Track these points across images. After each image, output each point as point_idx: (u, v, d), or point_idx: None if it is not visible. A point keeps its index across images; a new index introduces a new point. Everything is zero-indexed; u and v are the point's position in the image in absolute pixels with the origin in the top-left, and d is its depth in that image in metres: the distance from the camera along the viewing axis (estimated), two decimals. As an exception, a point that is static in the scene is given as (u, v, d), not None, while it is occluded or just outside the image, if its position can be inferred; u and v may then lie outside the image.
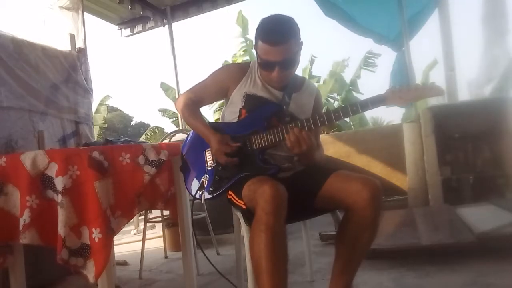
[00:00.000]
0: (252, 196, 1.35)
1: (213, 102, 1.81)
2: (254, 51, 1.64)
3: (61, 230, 1.47)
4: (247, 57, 8.32)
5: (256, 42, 1.56)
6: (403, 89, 1.39)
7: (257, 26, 1.56)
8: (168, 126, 11.24)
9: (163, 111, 10.93)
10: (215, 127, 1.64)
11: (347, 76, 8.67)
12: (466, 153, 3.50)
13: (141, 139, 10.28)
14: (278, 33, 1.48)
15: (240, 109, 1.64)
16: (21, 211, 1.55)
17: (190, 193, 1.68)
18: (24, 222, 1.51)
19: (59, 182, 1.50)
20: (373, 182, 1.36)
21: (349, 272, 1.44)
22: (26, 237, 1.51)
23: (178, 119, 9.91)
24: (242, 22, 8.29)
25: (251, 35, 8.48)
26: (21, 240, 1.52)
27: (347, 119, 8.72)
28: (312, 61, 8.76)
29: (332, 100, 8.74)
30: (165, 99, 9.86)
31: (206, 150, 1.65)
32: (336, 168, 1.51)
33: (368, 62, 8.31)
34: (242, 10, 8.31)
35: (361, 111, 1.43)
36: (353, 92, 8.44)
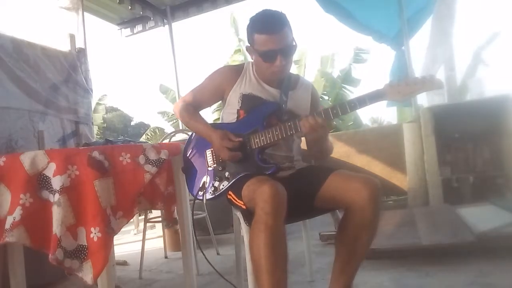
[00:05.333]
0: (251, 196, 1.35)
1: (211, 105, 1.83)
2: (248, 51, 1.65)
3: (56, 229, 1.45)
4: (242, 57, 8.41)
5: (251, 38, 1.57)
6: (402, 84, 1.37)
7: (247, 25, 1.59)
8: (168, 127, 11.26)
9: (163, 113, 10.92)
10: (215, 127, 1.65)
11: (336, 73, 8.65)
12: (466, 153, 3.50)
13: (141, 139, 10.27)
14: (273, 22, 1.52)
15: (238, 110, 1.64)
16: (11, 209, 1.51)
17: (192, 194, 1.68)
18: (14, 219, 1.47)
19: (57, 181, 1.48)
20: (372, 182, 1.36)
21: (349, 272, 1.44)
22: (13, 235, 1.47)
23: (177, 121, 9.92)
24: (234, 23, 8.41)
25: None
26: (7, 238, 1.47)
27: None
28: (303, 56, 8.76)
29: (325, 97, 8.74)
30: (164, 101, 9.88)
31: (206, 150, 1.66)
32: (336, 168, 1.51)
33: (357, 58, 8.32)
34: (234, 12, 8.50)
35: (359, 107, 1.41)
36: (345, 89, 8.44)
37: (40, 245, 1.50)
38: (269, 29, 1.51)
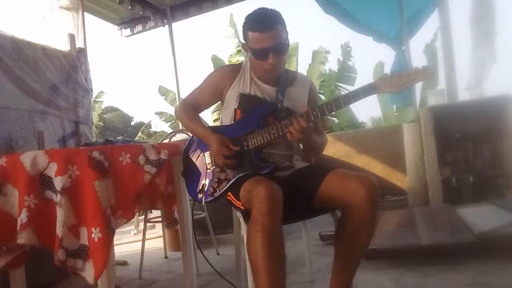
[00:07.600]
0: (248, 197, 1.35)
1: (211, 106, 1.84)
2: (244, 49, 1.67)
3: (58, 230, 1.46)
4: (242, 57, 8.39)
5: (245, 36, 1.59)
6: (394, 76, 1.38)
7: (243, 23, 1.60)
8: (166, 128, 11.25)
9: (160, 114, 10.91)
10: (214, 130, 1.65)
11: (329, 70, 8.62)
12: (466, 153, 3.50)
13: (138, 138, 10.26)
14: (265, 20, 1.53)
15: (235, 109, 1.65)
16: (19, 211, 1.53)
17: (191, 196, 1.68)
18: (21, 221, 1.49)
19: (58, 182, 1.49)
20: (370, 180, 1.36)
21: (348, 271, 1.44)
22: (22, 237, 1.48)
23: (175, 122, 9.92)
24: (235, 24, 8.42)
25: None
26: (17, 240, 1.50)
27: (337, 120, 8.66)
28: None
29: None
30: (163, 102, 9.83)
31: (205, 152, 1.66)
32: (334, 167, 1.51)
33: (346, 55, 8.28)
34: (233, 14, 8.45)
35: (353, 101, 1.42)
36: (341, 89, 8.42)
37: (50, 245, 1.51)
38: (261, 27, 1.52)
